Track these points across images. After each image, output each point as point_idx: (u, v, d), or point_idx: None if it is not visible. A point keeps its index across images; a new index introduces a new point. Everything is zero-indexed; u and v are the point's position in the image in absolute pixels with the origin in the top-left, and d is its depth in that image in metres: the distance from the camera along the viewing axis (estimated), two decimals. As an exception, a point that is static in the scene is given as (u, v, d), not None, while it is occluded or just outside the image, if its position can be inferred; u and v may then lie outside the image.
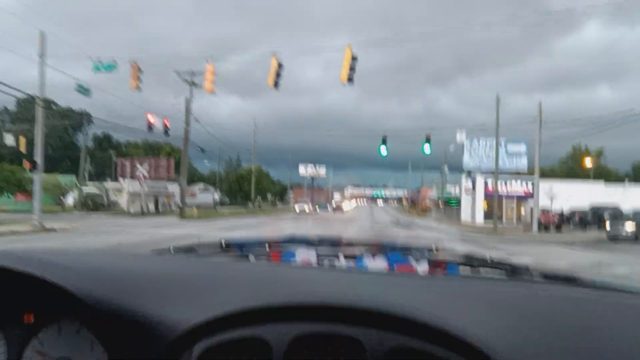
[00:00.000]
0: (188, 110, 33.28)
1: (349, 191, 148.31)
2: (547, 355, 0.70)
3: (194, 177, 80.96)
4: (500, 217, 39.48)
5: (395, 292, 0.90)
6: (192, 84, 32.48)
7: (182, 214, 36.76)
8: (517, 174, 46.22)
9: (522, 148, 46.16)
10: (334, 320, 0.76)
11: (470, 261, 1.43)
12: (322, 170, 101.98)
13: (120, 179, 48.89)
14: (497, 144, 37.09)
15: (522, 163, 46.56)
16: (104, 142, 76.71)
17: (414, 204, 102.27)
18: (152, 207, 49.54)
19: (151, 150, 75.72)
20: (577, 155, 69.04)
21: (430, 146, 29.37)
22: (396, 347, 0.72)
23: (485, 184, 45.25)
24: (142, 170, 44.73)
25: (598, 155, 69.80)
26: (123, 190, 47.71)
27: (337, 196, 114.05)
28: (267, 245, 1.52)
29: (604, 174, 61.25)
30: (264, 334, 0.76)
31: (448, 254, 1.53)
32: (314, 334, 0.76)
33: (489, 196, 42.41)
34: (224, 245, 1.51)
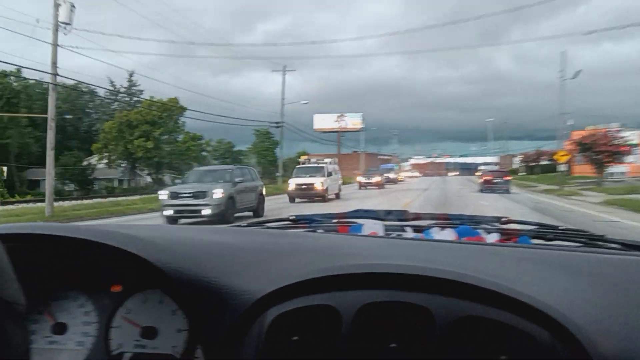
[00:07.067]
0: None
1: (410, 162, 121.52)
2: (625, 324, 0.68)
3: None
4: None
5: (464, 260, 0.90)
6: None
7: None
8: None
9: None
10: (403, 288, 0.77)
11: (544, 231, 1.41)
12: (355, 121, 68.22)
13: None
14: None
15: None
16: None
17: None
18: None
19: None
20: None
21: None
22: (465, 316, 0.72)
23: None
24: None
25: None
26: None
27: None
28: (334, 219, 1.59)
29: None
30: (333, 301, 0.78)
31: (520, 225, 1.51)
32: (382, 302, 0.77)
33: None
34: (293, 220, 1.61)
